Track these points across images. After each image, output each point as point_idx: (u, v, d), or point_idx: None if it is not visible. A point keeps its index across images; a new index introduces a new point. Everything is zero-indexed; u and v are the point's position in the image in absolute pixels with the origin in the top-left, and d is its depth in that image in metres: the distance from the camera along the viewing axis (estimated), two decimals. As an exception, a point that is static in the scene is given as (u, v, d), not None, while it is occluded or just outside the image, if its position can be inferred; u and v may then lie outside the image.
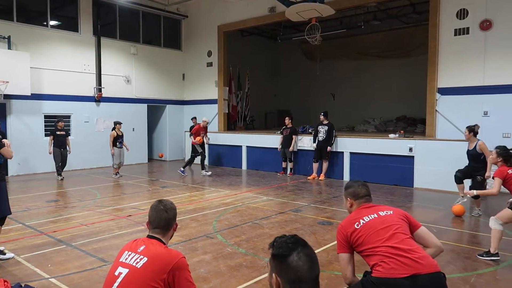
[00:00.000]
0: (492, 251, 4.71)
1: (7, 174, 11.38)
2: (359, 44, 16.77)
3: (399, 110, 16.58)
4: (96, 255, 4.93)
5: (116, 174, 11.42)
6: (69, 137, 11.39)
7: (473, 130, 7.20)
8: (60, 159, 10.87)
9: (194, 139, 11.86)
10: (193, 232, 5.95)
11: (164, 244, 2.38)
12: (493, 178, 5.05)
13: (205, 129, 12.18)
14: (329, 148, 10.95)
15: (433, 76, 10.08)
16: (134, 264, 2.20)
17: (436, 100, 10.04)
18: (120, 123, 11.53)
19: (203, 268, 4.50)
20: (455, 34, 9.72)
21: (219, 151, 14.34)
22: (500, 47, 9.11)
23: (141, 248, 2.28)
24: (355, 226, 2.70)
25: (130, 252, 2.29)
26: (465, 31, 9.58)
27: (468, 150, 7.29)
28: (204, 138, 11.99)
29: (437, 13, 9.97)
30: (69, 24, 13.09)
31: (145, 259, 2.20)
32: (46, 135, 12.23)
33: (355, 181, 2.98)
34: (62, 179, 10.80)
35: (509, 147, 5.32)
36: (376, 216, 2.72)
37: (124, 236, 5.73)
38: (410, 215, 2.82)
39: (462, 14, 9.62)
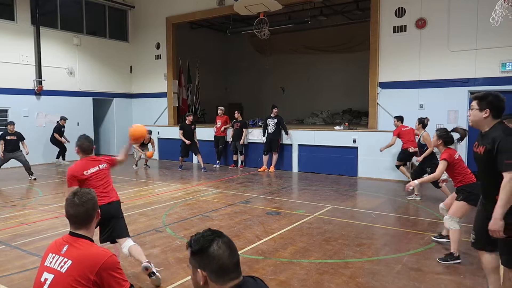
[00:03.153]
0: (454, 253, 4.37)
1: None
2: (308, 38, 17.20)
3: (346, 103, 17.27)
4: (39, 254, 4.76)
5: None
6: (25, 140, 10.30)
7: (422, 122, 7.67)
8: (3, 163, 9.89)
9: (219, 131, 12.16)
10: (142, 227, 5.92)
11: (89, 239, 2.25)
12: (439, 160, 4.52)
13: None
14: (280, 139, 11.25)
15: (374, 70, 10.63)
16: (58, 268, 2.09)
17: (378, 93, 10.61)
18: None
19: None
20: (394, 31, 10.30)
21: (169, 145, 14.17)
22: (433, 45, 9.80)
23: (64, 248, 2.16)
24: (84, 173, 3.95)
25: (54, 255, 2.16)
26: (402, 28, 10.18)
27: (418, 141, 7.85)
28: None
29: (378, 10, 10.50)
30: (4, 12, 12.28)
31: (70, 262, 2.09)
32: (-20, 130, 11.43)
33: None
34: (35, 179, 10.00)
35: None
36: (97, 168, 4.06)
37: (69, 234, 5.57)
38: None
39: (400, 12, 10.20)
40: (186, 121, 11.63)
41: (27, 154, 10.13)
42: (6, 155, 9.75)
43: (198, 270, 1.58)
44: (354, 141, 10.36)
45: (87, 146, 4.15)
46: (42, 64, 12.88)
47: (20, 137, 10.11)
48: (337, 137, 10.75)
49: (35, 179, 10.01)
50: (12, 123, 10.09)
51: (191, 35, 17.13)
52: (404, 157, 8.55)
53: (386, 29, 10.43)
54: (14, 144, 9.92)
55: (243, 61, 19.67)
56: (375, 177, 9.99)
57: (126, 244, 4.05)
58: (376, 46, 10.55)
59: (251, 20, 14.66)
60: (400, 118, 8.79)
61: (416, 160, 7.56)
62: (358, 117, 16.03)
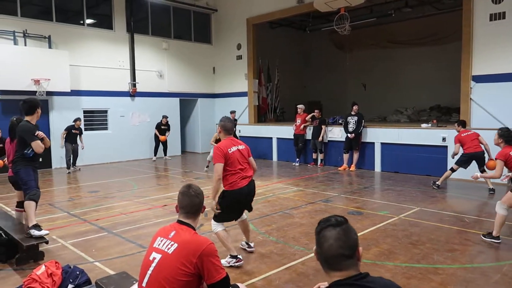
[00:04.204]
0: (494, 234, 4.93)
1: (50, 167, 12.08)
2: (390, 32, 16.40)
3: (433, 99, 16.15)
4: (135, 242, 5.24)
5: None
6: (82, 134, 11.90)
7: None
8: (71, 153, 11.51)
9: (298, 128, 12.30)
10: (226, 221, 6.17)
11: (194, 229, 2.51)
12: (495, 159, 5.16)
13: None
14: (352, 135, 10.92)
15: (467, 63, 9.79)
16: (166, 250, 2.34)
17: (471, 88, 9.76)
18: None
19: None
20: (491, 19, 9.38)
21: (250, 143, 14.47)
22: (540, 31, 8.74)
23: (172, 234, 2.41)
24: (228, 150, 4.27)
25: (162, 238, 2.44)
26: (501, 15, 9.23)
27: None
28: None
29: (472, -3, 9.65)
30: (104, 22, 13.62)
31: (176, 245, 2.33)
32: (86, 129, 12.86)
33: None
34: (69, 173, 11.36)
35: None
36: (237, 148, 4.37)
37: (161, 224, 5.97)
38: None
39: (498, -2, 9.27)
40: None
41: (82, 149, 11.79)
42: (67, 146, 11.41)
43: (315, 247, 1.73)
44: (444, 139, 9.66)
45: (230, 127, 4.47)
46: (136, 68, 14.04)
47: (81, 132, 11.77)
48: (424, 135, 10.13)
49: (79, 169, 11.83)
50: (79, 120, 11.66)
51: (270, 34, 17.34)
52: (462, 161, 7.96)
53: (481, 18, 9.54)
54: (74, 138, 11.55)
55: (323, 59, 19.40)
56: (468, 178, 9.19)
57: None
58: (469, 36, 9.71)
59: (330, 16, 14.43)
60: (461, 123, 8.31)
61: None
62: (448, 114, 14.90)
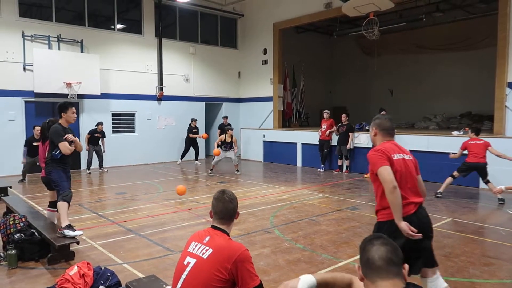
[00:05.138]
0: None
1: (79, 168, 12.37)
2: (419, 37, 16.10)
3: (464, 106, 15.70)
4: (163, 245, 5.27)
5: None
6: (105, 138, 12.21)
7: None
8: (92, 155, 11.87)
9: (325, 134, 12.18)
10: (251, 226, 6.13)
11: (228, 234, 2.49)
12: None
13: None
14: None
15: (503, 69, 9.47)
16: (201, 254, 2.33)
17: (506, 95, 9.42)
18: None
19: (262, 261, 4.66)
20: (529, 24, 9.05)
21: (274, 148, 14.50)
22: None
23: (207, 239, 2.40)
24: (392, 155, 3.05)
25: (197, 243, 2.43)
26: (540, 20, 8.89)
27: None
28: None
29: (508, 1, 9.34)
30: (134, 27, 13.91)
31: (211, 250, 2.31)
32: (113, 131, 13.14)
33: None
34: (90, 173, 11.70)
35: None
36: (402, 157, 3.11)
37: (187, 228, 6.05)
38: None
39: (536, 2, 8.94)
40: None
41: (104, 153, 12.08)
42: (90, 148, 11.80)
43: (357, 266, 1.71)
44: (476, 148, 9.32)
45: (389, 126, 3.25)
46: (163, 72, 14.26)
47: (103, 135, 12.04)
48: (455, 143, 9.78)
49: (107, 170, 12.03)
50: (102, 124, 11.93)
51: (297, 39, 17.29)
52: (462, 169, 8.00)
53: (518, 22, 9.23)
54: (97, 140, 11.93)
55: (349, 64, 19.20)
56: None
57: (439, 283, 3.11)
58: (505, 42, 9.40)
59: (358, 21, 14.27)
60: (474, 129, 8.21)
61: None
62: (480, 121, 14.41)
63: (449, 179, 8.22)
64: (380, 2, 10.22)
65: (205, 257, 2.31)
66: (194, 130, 13.92)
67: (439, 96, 16.38)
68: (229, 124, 13.75)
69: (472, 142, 7.98)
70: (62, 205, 4.85)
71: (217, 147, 11.40)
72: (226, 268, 2.25)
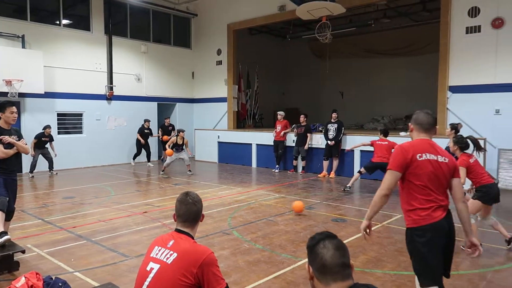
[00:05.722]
0: None
1: (20, 171, 11.54)
2: (368, 42, 16.80)
3: (409, 108, 16.52)
4: (117, 250, 5.04)
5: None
6: (53, 142, 11.51)
7: (455, 128, 6.79)
8: (37, 159, 11.16)
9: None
10: (210, 228, 6.05)
11: (193, 238, 2.42)
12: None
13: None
14: (332, 142, 11.03)
15: (444, 74, 10.10)
16: (164, 259, 2.24)
17: (447, 98, 10.06)
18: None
19: (222, 263, 4.59)
20: (467, 32, 9.73)
21: (229, 149, 14.43)
22: (513, 45, 9.11)
23: (171, 243, 2.31)
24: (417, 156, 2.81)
25: (160, 247, 2.33)
26: (476, 29, 9.59)
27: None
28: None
29: (448, 11, 9.99)
30: (81, 23, 13.25)
31: (175, 254, 2.23)
32: (59, 132, 12.44)
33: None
34: (32, 177, 11.04)
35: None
36: (435, 158, 2.84)
37: (142, 232, 5.84)
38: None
39: (473, 12, 9.63)
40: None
41: (55, 157, 11.43)
42: (37, 152, 11.13)
43: (307, 265, 1.70)
44: (421, 147, 9.87)
45: (423, 121, 2.98)
46: (113, 71, 13.71)
47: (51, 139, 11.40)
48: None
49: (56, 173, 11.50)
50: (49, 127, 11.28)
51: (251, 40, 17.37)
52: (369, 167, 8.91)
53: (458, 30, 9.88)
54: (44, 145, 11.28)
55: (301, 66, 19.60)
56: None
57: None
58: (447, 48, 10.03)
59: (310, 24, 14.62)
60: (382, 132, 9.17)
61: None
62: (423, 122, 15.29)
63: (357, 175, 9.18)
64: (333, 7, 10.52)
65: (169, 262, 2.22)
66: (146, 131, 13.54)
67: (386, 98, 17.17)
68: (172, 125, 14.07)
69: (379, 142, 8.92)
70: None
71: (169, 147, 11.16)
72: (192, 272, 2.17)
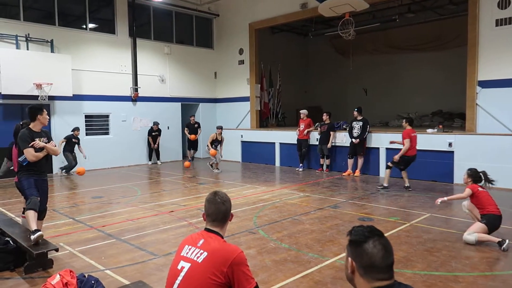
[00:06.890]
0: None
1: (51, 172, 11.90)
2: (392, 37, 16.46)
3: (435, 104, 16.16)
4: (146, 249, 5.13)
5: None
6: (80, 144, 12.02)
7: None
8: (73, 161, 11.75)
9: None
10: (235, 227, 6.07)
11: (222, 237, 2.43)
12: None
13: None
14: (356, 140, 10.88)
15: (473, 68, 9.79)
16: (195, 258, 2.26)
17: (477, 93, 9.75)
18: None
19: (249, 262, 4.49)
20: (497, 25, 9.39)
21: (252, 148, 14.46)
22: (546, 37, 8.75)
23: (200, 242, 2.33)
24: None
25: (190, 247, 2.35)
26: (507, 21, 9.25)
27: None
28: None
29: (477, 3, 9.66)
30: (106, 26, 13.54)
31: (205, 253, 2.25)
32: (87, 134, 12.77)
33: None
34: (63, 176, 11.64)
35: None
36: None
37: (169, 231, 5.92)
38: None
39: (503, 3, 9.28)
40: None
41: (84, 158, 11.90)
42: (68, 155, 11.67)
43: (349, 258, 1.65)
44: (450, 144, 9.62)
45: None
46: (138, 73, 13.96)
47: (79, 142, 11.90)
48: (429, 140, 10.07)
49: (69, 174, 11.83)
50: (78, 129, 11.83)
51: (272, 39, 17.33)
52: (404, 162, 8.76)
53: (487, 23, 9.56)
54: (73, 146, 11.78)
55: (324, 64, 19.41)
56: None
57: None
58: (475, 41, 9.71)
59: (332, 21, 14.47)
60: (408, 121, 8.97)
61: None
62: (450, 119, 14.90)
63: (388, 172, 8.98)
64: (356, 2, 10.37)
65: (200, 261, 2.24)
66: (154, 134, 14.00)
67: (411, 95, 16.80)
68: (197, 123, 14.66)
69: (414, 134, 8.74)
70: (27, 214, 4.64)
71: (210, 146, 11.95)
72: (222, 271, 2.18)
